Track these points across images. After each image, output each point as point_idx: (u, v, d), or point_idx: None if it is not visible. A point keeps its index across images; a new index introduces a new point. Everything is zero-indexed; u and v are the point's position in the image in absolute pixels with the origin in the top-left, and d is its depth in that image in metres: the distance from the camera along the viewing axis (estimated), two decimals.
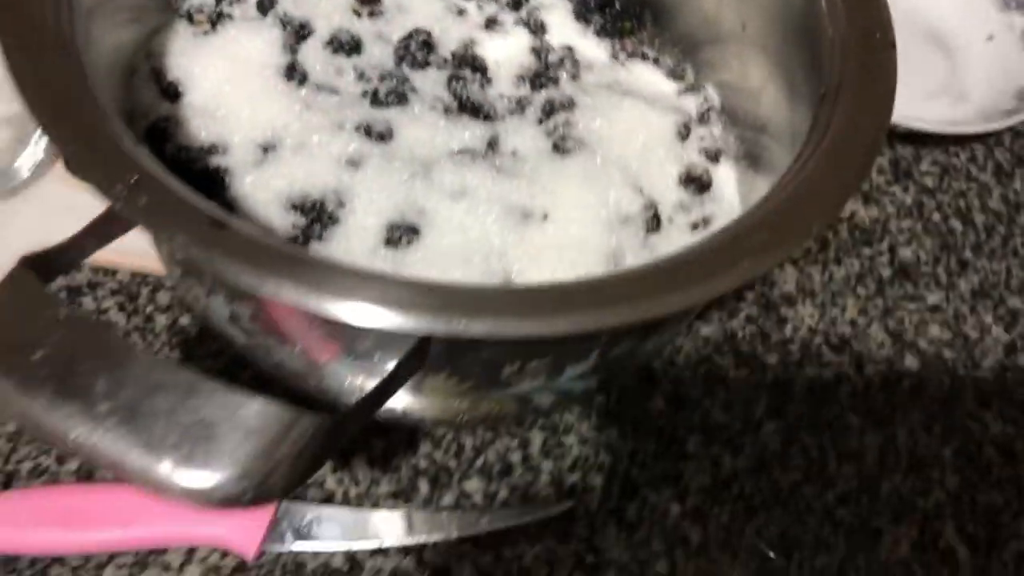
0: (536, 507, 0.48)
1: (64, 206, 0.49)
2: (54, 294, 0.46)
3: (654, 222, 0.48)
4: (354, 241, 0.46)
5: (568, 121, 0.51)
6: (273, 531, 0.46)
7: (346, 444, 0.49)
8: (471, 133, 0.50)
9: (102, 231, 0.36)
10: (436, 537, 0.47)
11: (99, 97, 0.38)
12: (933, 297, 0.57)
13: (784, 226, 0.36)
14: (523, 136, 0.50)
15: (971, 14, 0.68)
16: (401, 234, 0.45)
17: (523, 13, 0.57)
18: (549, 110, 0.52)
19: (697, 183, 0.50)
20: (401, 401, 0.43)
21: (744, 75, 0.52)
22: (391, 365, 0.34)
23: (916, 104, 0.65)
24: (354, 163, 0.47)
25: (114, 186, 0.33)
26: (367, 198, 0.46)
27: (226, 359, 0.51)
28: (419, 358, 0.33)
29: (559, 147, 0.50)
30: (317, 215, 0.46)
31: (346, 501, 0.48)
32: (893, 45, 0.42)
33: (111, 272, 0.54)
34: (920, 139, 0.62)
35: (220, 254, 0.31)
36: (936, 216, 0.61)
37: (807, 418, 0.52)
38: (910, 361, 0.54)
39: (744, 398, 0.52)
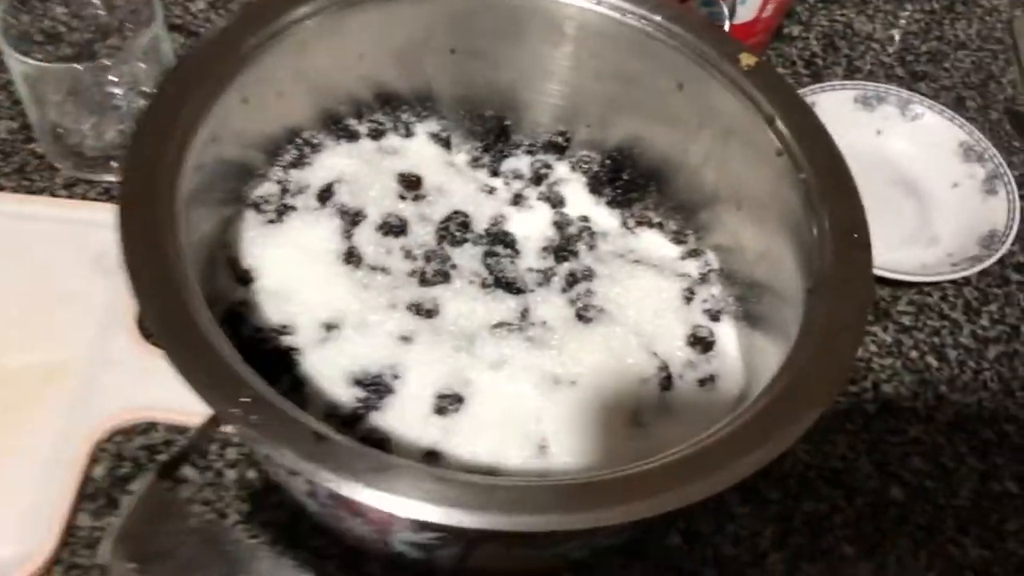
0: None
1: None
2: (185, 503, 0.53)
3: (667, 381, 0.55)
4: (407, 411, 0.53)
5: (589, 290, 0.59)
6: None
7: None
8: (506, 306, 0.57)
9: (211, 435, 0.43)
10: None
11: (201, 309, 0.45)
12: (914, 430, 0.64)
13: (782, 419, 0.43)
14: (550, 306, 0.58)
15: (938, 164, 0.76)
16: (449, 403, 0.52)
17: (544, 188, 0.65)
18: (572, 281, 0.59)
19: (702, 343, 0.58)
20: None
21: (740, 243, 0.60)
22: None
23: (894, 249, 0.72)
24: (407, 339, 0.55)
25: (230, 406, 0.40)
26: (418, 371, 0.54)
27: (289, 510, 0.57)
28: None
29: (582, 316, 0.57)
30: (376, 389, 0.53)
31: None
32: (868, 246, 0.49)
33: (182, 429, 0.60)
34: (897, 281, 0.70)
35: (322, 466, 0.38)
36: (914, 353, 0.68)
37: (807, 548, 0.58)
38: (896, 492, 0.61)
39: (750, 532, 0.59)
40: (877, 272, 0.68)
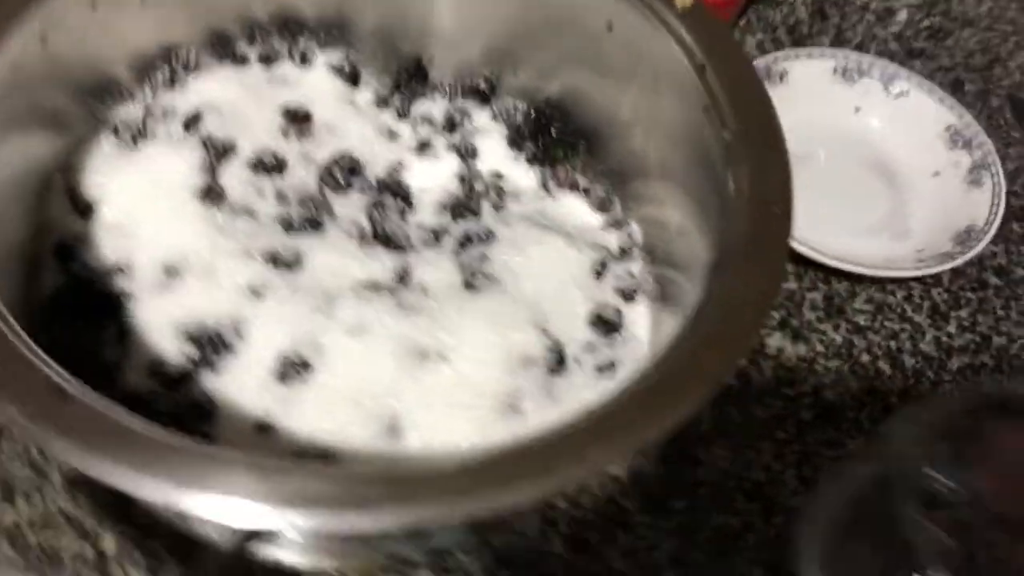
0: None
1: None
2: None
3: (558, 365, 0.48)
4: (245, 374, 0.45)
5: (484, 255, 0.51)
6: None
7: None
8: (381, 264, 0.50)
9: None
10: None
11: None
12: (853, 444, 0.56)
13: (654, 408, 0.35)
14: (435, 269, 0.50)
15: (921, 148, 0.68)
16: (294, 369, 0.45)
17: (457, 137, 0.57)
18: (466, 242, 0.52)
19: (606, 325, 0.50)
20: (272, 549, 0.43)
21: (665, 215, 0.52)
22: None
23: (857, 238, 0.64)
24: (257, 293, 0.47)
25: None
26: (265, 330, 0.46)
27: None
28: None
29: (470, 284, 0.50)
30: (212, 346, 0.46)
31: None
32: (789, 216, 0.41)
33: None
34: (858, 275, 0.62)
35: (53, 430, 0.31)
36: (865, 357, 0.60)
37: (709, 570, 0.51)
38: None
39: (646, 545, 0.51)
40: (835, 263, 0.60)
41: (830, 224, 0.64)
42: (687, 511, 0.53)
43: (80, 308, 0.47)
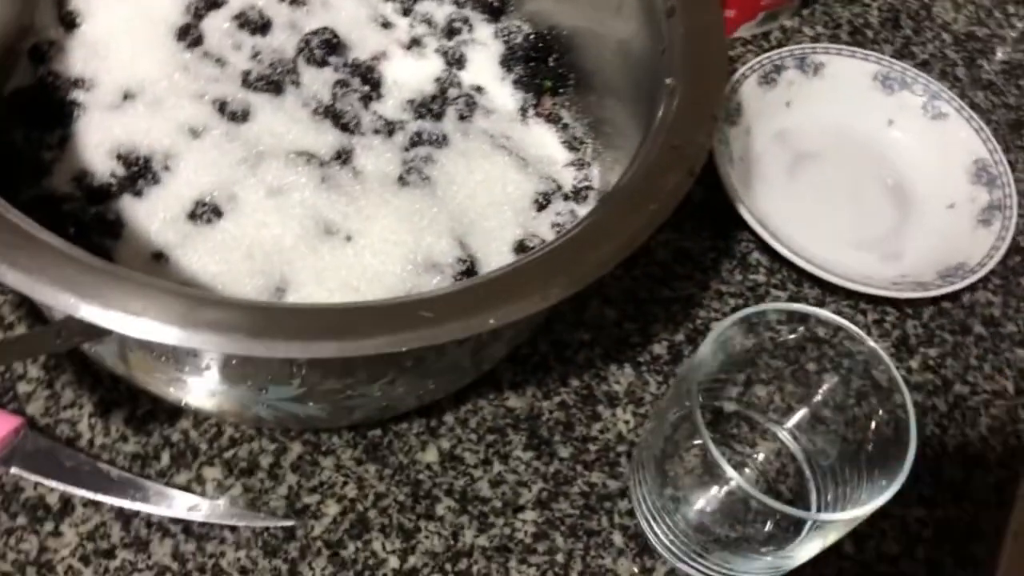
0: (259, 515, 0.48)
1: None
2: None
3: (463, 276, 0.47)
4: (162, 205, 0.47)
5: (429, 157, 0.51)
6: (5, 450, 0.47)
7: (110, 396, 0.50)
8: (324, 139, 0.50)
9: None
10: (150, 508, 0.47)
11: None
12: (765, 445, 0.54)
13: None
14: (376, 157, 0.51)
15: (941, 177, 0.64)
16: (204, 211, 0.46)
17: (452, 43, 0.57)
18: (416, 141, 0.52)
19: (528, 253, 0.49)
20: (124, 369, 0.44)
21: (619, 160, 0.51)
22: None
23: (845, 251, 0.61)
24: (195, 133, 0.49)
25: None
26: (192, 169, 0.48)
27: None
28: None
29: (403, 179, 0.50)
30: (140, 171, 0.47)
31: (90, 447, 0.49)
32: (692, 173, 0.39)
33: None
34: (832, 286, 0.59)
35: None
36: (812, 366, 0.58)
37: (570, 520, 0.50)
38: None
39: (518, 480, 0.51)
40: (804, 265, 0.58)
41: (820, 229, 0.62)
42: (569, 460, 0.52)
43: (36, 108, 0.49)
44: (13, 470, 0.47)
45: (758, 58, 0.64)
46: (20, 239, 0.33)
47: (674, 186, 0.38)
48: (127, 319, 0.31)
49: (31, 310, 0.52)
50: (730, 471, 0.40)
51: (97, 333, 0.32)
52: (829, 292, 0.61)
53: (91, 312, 0.31)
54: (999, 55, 0.75)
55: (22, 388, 0.50)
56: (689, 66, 0.42)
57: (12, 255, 0.32)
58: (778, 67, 0.65)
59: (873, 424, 0.48)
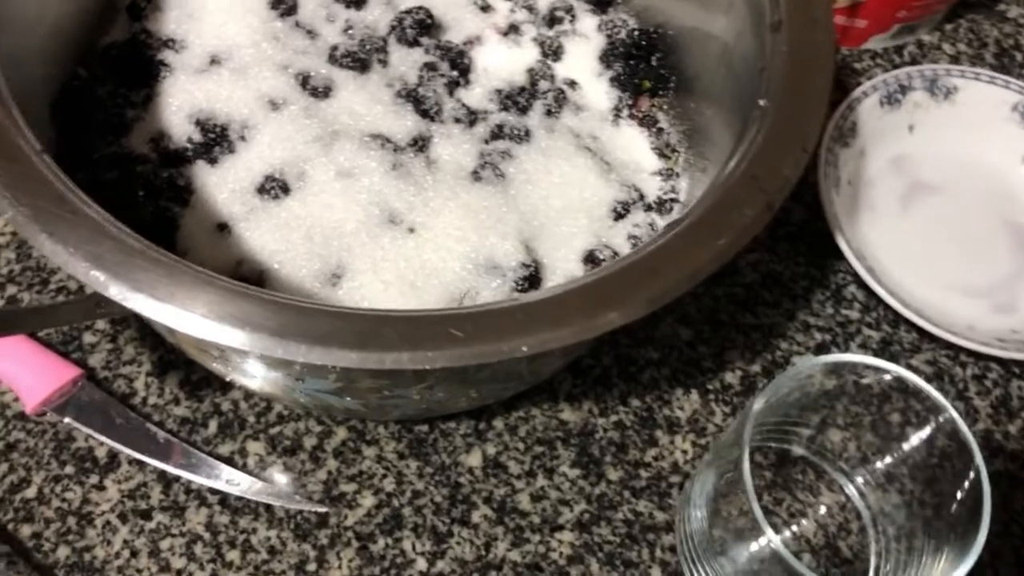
0: (295, 497, 0.48)
1: None
2: None
3: (526, 283, 0.45)
4: (232, 175, 0.47)
5: (508, 152, 0.49)
6: (62, 399, 0.48)
7: (169, 357, 0.51)
8: (402, 123, 0.49)
9: None
10: (191, 476, 0.47)
11: None
12: (830, 496, 0.50)
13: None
14: (453, 147, 0.49)
15: None
16: (273, 187, 0.46)
17: (551, 32, 0.55)
18: (497, 134, 0.50)
19: (596, 265, 0.47)
20: (174, 341, 0.44)
21: (706, 174, 0.48)
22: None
23: (953, 296, 0.56)
24: (275, 105, 0.48)
25: None
26: (267, 142, 0.47)
27: None
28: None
29: (477, 172, 0.48)
30: (216, 138, 0.47)
31: (143, 405, 0.50)
32: (771, 208, 0.36)
33: None
34: (924, 332, 0.54)
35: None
36: (895, 418, 0.53)
37: (608, 547, 0.48)
38: None
39: (560, 497, 0.49)
40: (903, 311, 0.53)
41: (928, 268, 0.57)
42: (617, 484, 0.50)
43: (125, 65, 0.49)
44: (67, 420, 0.48)
45: (883, 76, 0.59)
46: (64, 210, 0.32)
47: (748, 222, 0.35)
48: (152, 304, 0.31)
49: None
50: (770, 533, 0.37)
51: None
52: (928, 339, 0.56)
53: (118, 292, 0.31)
54: None
55: (87, 339, 0.51)
56: (787, 89, 0.39)
57: (53, 225, 0.32)
58: (904, 87, 0.59)
59: (955, 492, 0.44)
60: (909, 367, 0.55)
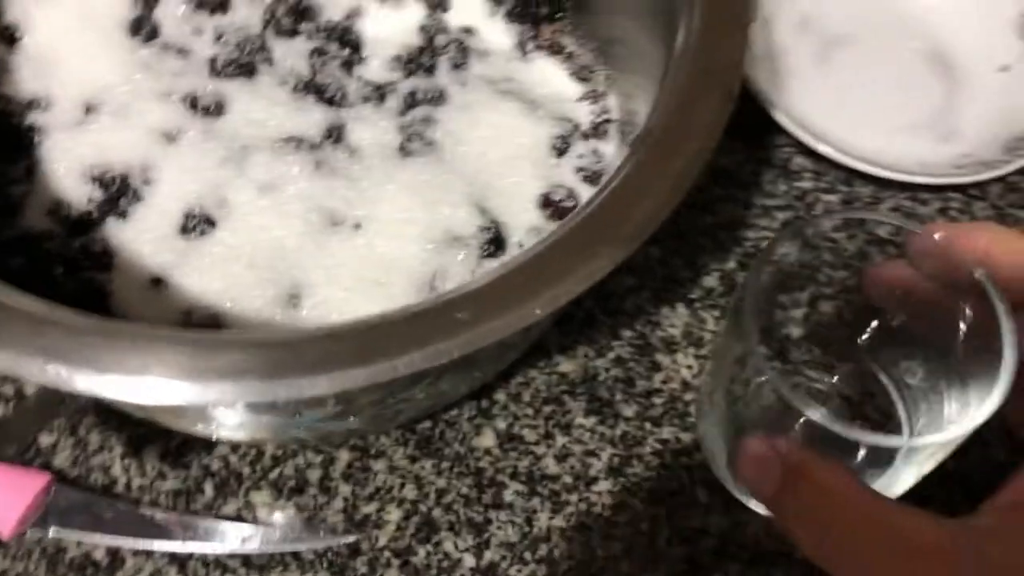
0: (318, 534, 0.45)
1: None
2: None
3: (491, 246, 0.43)
4: (149, 224, 0.43)
5: (429, 117, 0.46)
6: (39, 512, 0.44)
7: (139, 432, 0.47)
8: (310, 119, 0.45)
9: None
10: (206, 548, 0.44)
11: None
12: (842, 368, 0.50)
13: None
14: (371, 128, 0.46)
15: (987, 36, 0.58)
16: (196, 224, 0.42)
17: None
18: (412, 102, 0.47)
19: (558, 209, 0.44)
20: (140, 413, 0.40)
21: (639, 87, 0.45)
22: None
23: (894, 138, 0.56)
24: (170, 137, 0.44)
25: None
26: (174, 179, 0.43)
27: None
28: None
29: (405, 148, 0.45)
30: (119, 190, 0.43)
31: (128, 490, 0.46)
32: (731, 97, 0.34)
33: None
34: (887, 180, 0.53)
35: None
36: None
37: (648, 484, 0.46)
38: None
39: (584, 449, 0.47)
40: (854, 164, 0.52)
41: (864, 119, 0.56)
42: (635, 419, 0.48)
43: None
44: (52, 531, 0.44)
45: None
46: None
47: (713, 117, 0.33)
48: (128, 383, 0.27)
49: None
50: (808, 408, 0.36)
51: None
52: (884, 187, 0.55)
53: (86, 382, 0.27)
54: None
55: (44, 440, 0.47)
56: None
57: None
58: None
59: (968, 326, 0.43)
60: (875, 221, 0.55)
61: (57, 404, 0.30)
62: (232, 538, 0.44)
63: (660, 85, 0.35)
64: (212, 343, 0.29)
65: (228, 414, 0.36)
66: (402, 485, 0.46)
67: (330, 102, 0.46)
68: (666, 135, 0.33)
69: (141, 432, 0.47)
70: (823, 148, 0.53)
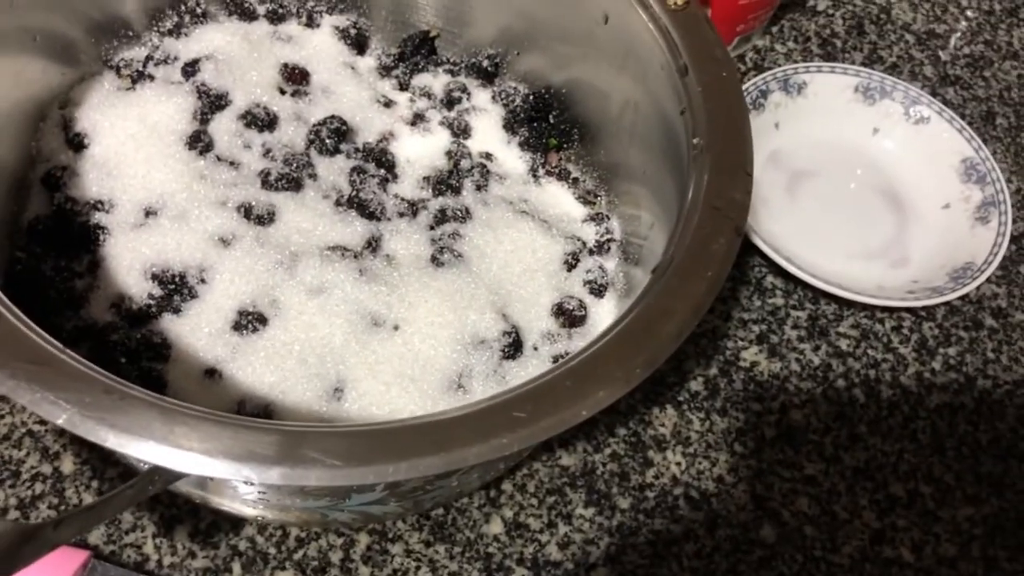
0: None
1: None
2: None
3: (511, 349, 0.48)
4: (204, 320, 0.47)
5: (456, 232, 0.51)
6: None
7: (171, 512, 0.50)
8: (352, 230, 0.50)
9: None
10: None
11: None
12: (811, 468, 0.55)
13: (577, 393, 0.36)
14: (406, 240, 0.51)
15: (934, 178, 0.66)
16: (249, 321, 0.46)
17: (453, 113, 0.58)
18: (441, 218, 0.52)
19: (570, 317, 0.50)
20: (200, 493, 0.44)
21: (640, 213, 0.52)
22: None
23: (854, 263, 0.63)
24: (225, 242, 0.48)
25: None
26: (228, 279, 0.47)
27: None
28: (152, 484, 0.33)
29: (436, 259, 0.50)
30: (176, 288, 0.47)
31: (159, 568, 0.49)
32: (739, 231, 0.40)
33: None
34: (848, 300, 0.60)
35: None
36: (840, 383, 0.59)
37: (642, 571, 0.51)
38: (767, 531, 0.53)
39: (584, 538, 0.52)
40: (821, 285, 0.59)
41: (827, 244, 0.64)
42: (630, 511, 0.53)
43: (59, 237, 0.48)
44: None
45: (744, 85, 0.66)
46: (114, 398, 0.32)
47: (725, 249, 0.39)
48: (232, 467, 0.31)
49: (74, 438, 0.52)
50: None
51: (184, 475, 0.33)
52: (846, 305, 0.62)
53: (197, 464, 0.31)
54: (960, 49, 0.78)
55: None
56: (714, 125, 0.44)
57: (112, 416, 0.32)
58: (763, 92, 0.66)
59: None
60: (837, 334, 0.62)
61: (156, 482, 0.33)
62: None
63: (676, 219, 0.41)
64: (302, 433, 0.33)
65: (283, 498, 0.40)
66: (417, 568, 0.50)
67: (370, 216, 0.51)
68: (684, 265, 0.39)
69: (171, 512, 0.50)
70: (792, 269, 0.59)
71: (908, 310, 0.62)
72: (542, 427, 0.34)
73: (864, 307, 0.62)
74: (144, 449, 0.32)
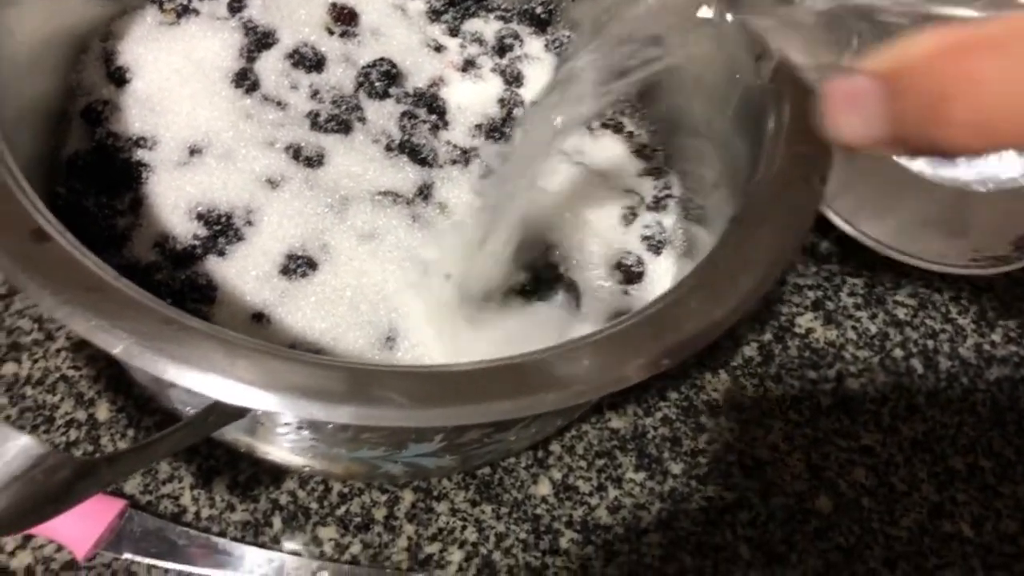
0: (384, 571, 0.46)
1: None
2: None
3: (567, 303, 0.46)
4: (251, 263, 0.45)
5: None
6: (113, 535, 0.45)
7: (208, 464, 0.48)
8: (404, 175, 0.48)
9: None
10: None
11: None
12: (868, 438, 0.54)
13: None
14: (458, 188, 0.49)
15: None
16: (298, 265, 0.44)
17: (505, 60, 0.56)
18: (493, 167, 0.50)
19: (626, 273, 0.48)
20: (247, 439, 0.42)
21: (701, 170, 0.50)
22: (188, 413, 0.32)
23: (908, 231, 0.61)
24: (273, 183, 0.47)
25: None
26: (276, 222, 0.46)
27: None
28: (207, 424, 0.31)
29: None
30: (222, 229, 0.45)
31: (196, 520, 0.47)
32: (819, 192, 0.38)
33: None
34: (905, 266, 0.58)
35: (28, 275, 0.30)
36: (898, 352, 0.57)
37: (694, 538, 0.49)
38: (823, 502, 0.51)
39: (635, 503, 0.50)
40: (880, 249, 0.57)
41: (886, 209, 0.61)
42: (682, 476, 0.51)
43: (100, 173, 0.46)
44: (125, 556, 0.45)
45: None
46: (173, 328, 0.31)
47: (809, 197, 0.37)
48: (298, 404, 0.30)
49: (109, 384, 0.50)
50: None
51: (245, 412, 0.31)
52: (903, 273, 0.60)
53: (261, 399, 0.29)
54: None
55: None
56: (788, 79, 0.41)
57: (172, 347, 0.30)
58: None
59: None
60: (895, 303, 0.60)
61: (215, 418, 0.31)
62: (295, 573, 0.46)
63: (754, 167, 0.39)
64: (374, 372, 0.31)
65: (337, 446, 0.38)
66: (463, 527, 0.48)
67: (423, 162, 0.49)
68: (767, 212, 0.37)
69: (209, 464, 0.48)
70: (849, 229, 0.57)
71: (967, 280, 0.60)
72: (614, 376, 0.32)
73: (921, 275, 0.60)
74: (205, 382, 0.30)
